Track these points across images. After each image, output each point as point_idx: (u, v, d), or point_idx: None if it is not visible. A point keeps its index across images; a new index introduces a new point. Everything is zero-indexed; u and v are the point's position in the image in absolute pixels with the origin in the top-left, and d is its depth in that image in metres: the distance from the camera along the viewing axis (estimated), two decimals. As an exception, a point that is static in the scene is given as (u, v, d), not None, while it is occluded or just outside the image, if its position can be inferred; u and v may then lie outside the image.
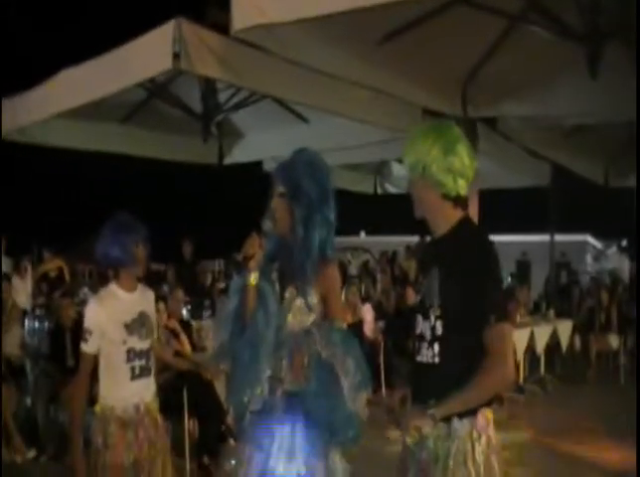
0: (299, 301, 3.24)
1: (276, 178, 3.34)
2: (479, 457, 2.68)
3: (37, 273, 11.63)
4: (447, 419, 2.68)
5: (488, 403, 2.76)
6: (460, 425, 2.69)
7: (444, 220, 2.87)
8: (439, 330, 2.77)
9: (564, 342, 11.38)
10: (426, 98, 6.88)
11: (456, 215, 2.87)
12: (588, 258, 20.05)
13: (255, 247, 3.35)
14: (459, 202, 2.85)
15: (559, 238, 14.78)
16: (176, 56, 5.18)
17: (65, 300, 8.02)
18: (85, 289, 12.29)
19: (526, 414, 8.81)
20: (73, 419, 4.13)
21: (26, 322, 9.59)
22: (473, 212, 7.60)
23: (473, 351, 2.68)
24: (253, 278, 3.24)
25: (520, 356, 10.22)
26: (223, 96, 8.51)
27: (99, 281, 12.61)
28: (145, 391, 4.09)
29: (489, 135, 8.01)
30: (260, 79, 6.09)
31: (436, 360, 2.78)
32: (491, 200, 8.69)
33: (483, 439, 2.71)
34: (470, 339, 2.69)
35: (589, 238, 20.00)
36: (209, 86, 8.34)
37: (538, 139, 8.62)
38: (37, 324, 9.89)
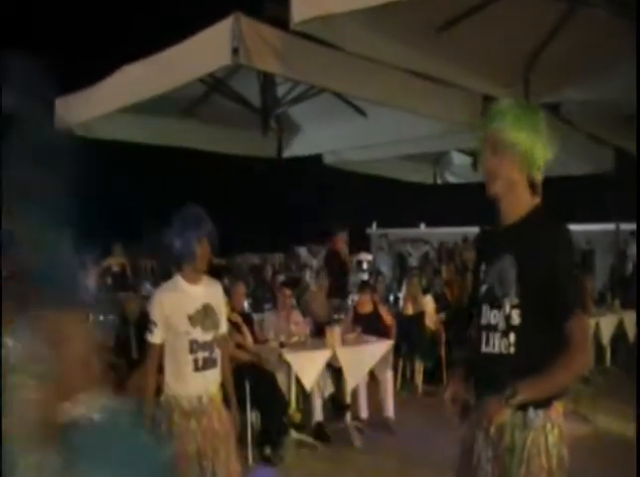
0: None
1: None
2: (552, 449, 2.65)
3: (100, 268, 11.82)
4: (523, 409, 2.66)
5: (560, 395, 2.74)
6: (535, 416, 2.68)
7: (521, 204, 2.81)
8: (516, 320, 2.71)
9: (631, 332, 11.14)
10: (487, 86, 6.79)
11: (532, 201, 2.81)
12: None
13: None
14: (537, 189, 2.81)
15: (623, 226, 14.47)
16: (235, 51, 5.21)
17: (128, 294, 8.14)
18: (147, 284, 12.47)
19: (591, 406, 8.66)
20: (144, 406, 4.18)
21: (90, 316, 9.76)
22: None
23: (551, 341, 2.64)
24: None
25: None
26: (281, 90, 8.55)
27: (161, 276, 12.81)
28: (209, 382, 4.14)
29: (551, 122, 7.83)
30: (318, 73, 6.09)
31: (512, 350, 2.72)
32: (553, 188, 8.53)
33: (556, 431, 2.68)
34: (549, 329, 2.65)
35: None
36: (267, 80, 8.38)
37: (600, 124, 8.44)
38: (101, 318, 10.06)
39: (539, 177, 2.80)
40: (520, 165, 2.76)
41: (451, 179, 12.95)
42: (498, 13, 5.66)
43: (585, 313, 2.68)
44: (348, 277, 11.02)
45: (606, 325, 10.55)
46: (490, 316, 2.79)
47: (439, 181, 13.01)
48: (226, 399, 4.32)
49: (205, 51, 5.69)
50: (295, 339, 7.65)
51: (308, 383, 7.12)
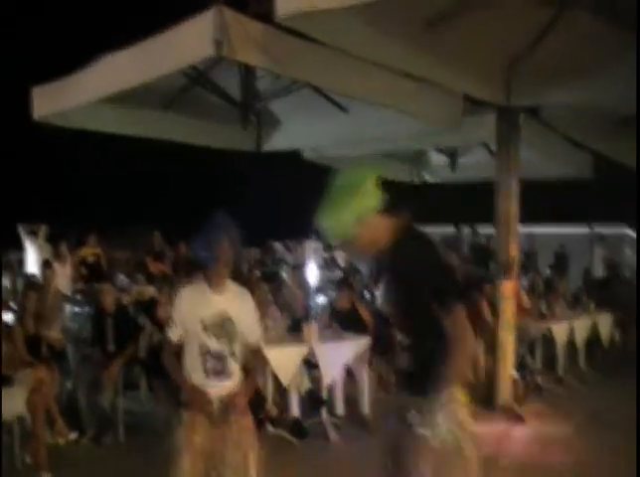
0: None
1: None
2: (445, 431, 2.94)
3: (75, 259, 11.73)
4: (423, 390, 2.97)
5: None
6: (434, 396, 2.92)
7: (386, 235, 3.17)
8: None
9: (605, 335, 11.22)
10: (469, 86, 6.82)
11: (397, 225, 3.18)
12: (628, 251, 19.77)
13: None
14: (394, 213, 3.18)
15: (597, 229, 14.60)
16: (218, 43, 5.18)
17: (105, 286, 8.06)
18: (122, 276, 12.36)
19: (565, 408, 8.70)
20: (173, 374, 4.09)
21: (66, 307, 9.67)
22: (514, 202, 7.52)
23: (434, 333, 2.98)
24: None
25: (560, 349, 10.11)
26: (262, 84, 8.51)
27: (136, 268, 12.73)
28: (220, 391, 4.01)
29: (531, 124, 7.90)
30: (301, 68, 6.09)
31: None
32: (530, 190, 8.57)
33: (451, 415, 2.96)
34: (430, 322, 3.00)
35: (628, 231, 19.70)
36: (248, 74, 8.33)
37: (582, 129, 8.48)
38: (77, 309, 9.98)
39: (390, 211, 3.14)
40: (370, 221, 3.11)
41: (429, 178, 12.96)
42: (484, 13, 5.68)
43: (458, 303, 2.96)
44: None
45: (580, 327, 10.60)
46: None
47: (416, 180, 13.02)
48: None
49: (187, 42, 5.64)
50: (272, 334, 7.63)
51: (285, 378, 7.09)
